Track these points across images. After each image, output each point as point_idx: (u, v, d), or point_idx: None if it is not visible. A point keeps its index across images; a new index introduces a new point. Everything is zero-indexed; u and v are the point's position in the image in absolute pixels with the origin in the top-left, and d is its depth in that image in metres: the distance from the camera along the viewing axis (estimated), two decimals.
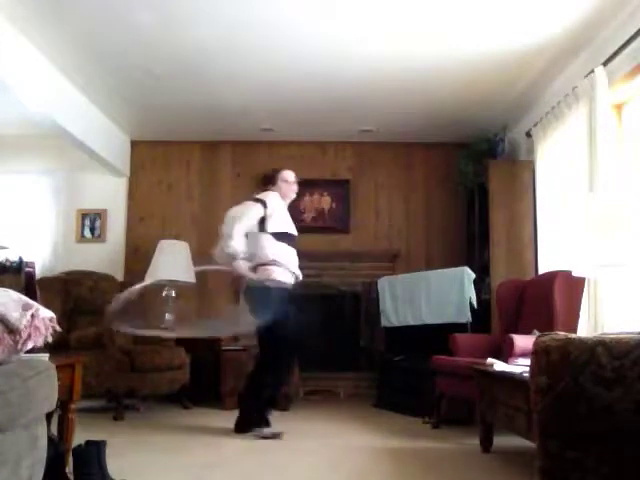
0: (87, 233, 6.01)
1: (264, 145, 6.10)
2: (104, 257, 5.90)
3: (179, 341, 5.02)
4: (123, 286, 5.42)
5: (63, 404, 2.45)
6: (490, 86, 4.72)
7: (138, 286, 4.00)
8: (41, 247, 5.88)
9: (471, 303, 4.43)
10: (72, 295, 4.89)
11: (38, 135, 5.60)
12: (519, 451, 3.14)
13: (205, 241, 6.02)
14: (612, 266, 2.97)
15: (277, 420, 3.85)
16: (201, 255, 5.89)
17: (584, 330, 3.60)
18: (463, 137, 5.78)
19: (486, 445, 3.21)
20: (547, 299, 3.65)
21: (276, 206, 3.78)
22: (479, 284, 4.77)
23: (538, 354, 1.66)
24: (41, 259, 5.76)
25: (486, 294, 4.90)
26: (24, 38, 3.99)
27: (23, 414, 1.54)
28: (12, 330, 1.69)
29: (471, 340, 4.13)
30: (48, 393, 1.72)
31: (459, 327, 4.36)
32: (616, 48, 3.48)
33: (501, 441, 3.25)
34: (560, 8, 3.53)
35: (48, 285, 4.77)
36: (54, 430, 2.40)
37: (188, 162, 6.18)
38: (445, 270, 4.82)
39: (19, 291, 1.87)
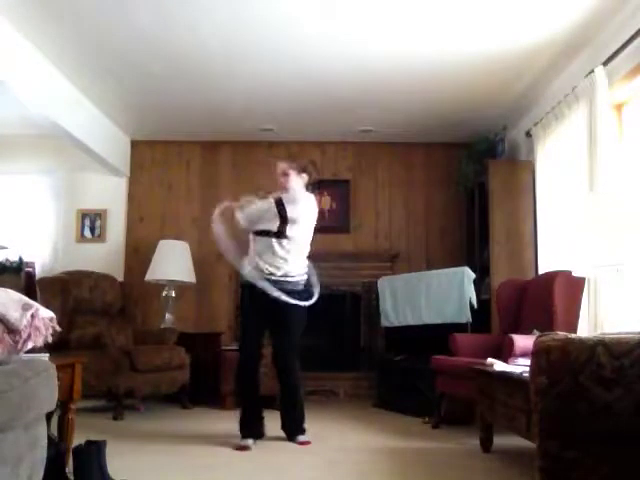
0: (87, 233, 6.01)
1: (264, 145, 6.10)
2: (104, 257, 5.90)
3: (179, 341, 5.02)
4: (123, 286, 5.44)
5: (63, 404, 2.45)
6: (490, 86, 4.72)
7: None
8: (41, 247, 5.88)
9: (471, 303, 4.43)
10: (72, 295, 4.89)
11: (38, 135, 5.61)
12: (519, 451, 3.14)
13: (205, 241, 6.03)
14: (612, 266, 2.97)
15: (277, 420, 3.85)
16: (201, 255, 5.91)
17: (584, 330, 3.60)
18: (463, 137, 5.78)
19: (486, 445, 3.21)
20: (547, 299, 3.65)
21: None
22: (479, 284, 4.77)
23: (538, 354, 1.66)
24: (41, 259, 5.77)
25: (486, 294, 4.90)
26: (24, 38, 3.99)
27: (23, 414, 1.54)
28: (12, 330, 1.69)
29: (471, 340, 4.13)
30: (48, 393, 1.72)
31: (459, 327, 4.36)
32: (616, 48, 3.48)
33: (501, 441, 3.25)
34: (560, 8, 3.53)
35: (48, 285, 4.77)
36: (54, 430, 2.40)
37: (188, 162, 6.18)
38: (445, 270, 4.82)
39: (19, 291, 1.87)
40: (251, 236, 3.57)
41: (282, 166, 3.60)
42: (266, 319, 3.53)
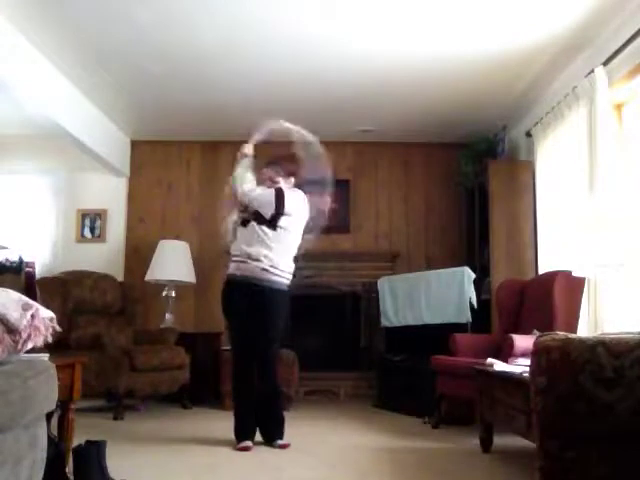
0: (87, 233, 6.01)
1: (264, 145, 6.08)
2: (104, 257, 5.90)
3: (179, 341, 5.02)
4: (123, 286, 5.44)
5: (63, 404, 2.45)
6: (490, 86, 4.72)
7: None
8: (41, 247, 5.88)
9: (471, 303, 4.43)
10: (72, 295, 4.89)
11: (38, 135, 5.60)
12: (519, 451, 3.15)
13: (205, 241, 6.04)
14: (612, 266, 2.97)
15: None
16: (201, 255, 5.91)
17: (584, 330, 3.60)
18: (463, 137, 5.78)
19: (486, 445, 3.21)
20: (547, 299, 3.65)
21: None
22: (479, 284, 4.77)
23: (538, 354, 1.66)
24: (41, 259, 5.76)
25: (486, 294, 4.90)
26: (24, 38, 3.99)
27: (23, 414, 1.54)
28: (12, 330, 1.69)
29: (471, 340, 4.13)
30: (48, 393, 1.72)
31: (459, 327, 4.36)
32: (616, 48, 3.49)
33: (501, 441, 3.25)
34: (560, 8, 3.53)
35: (48, 285, 4.77)
36: (54, 430, 2.40)
37: (188, 162, 6.18)
38: (445, 270, 4.82)
39: (19, 291, 1.87)
40: (237, 227, 3.54)
41: (268, 173, 3.59)
42: (249, 311, 3.38)
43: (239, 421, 3.40)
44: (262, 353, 3.43)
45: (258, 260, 3.39)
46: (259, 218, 3.44)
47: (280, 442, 3.35)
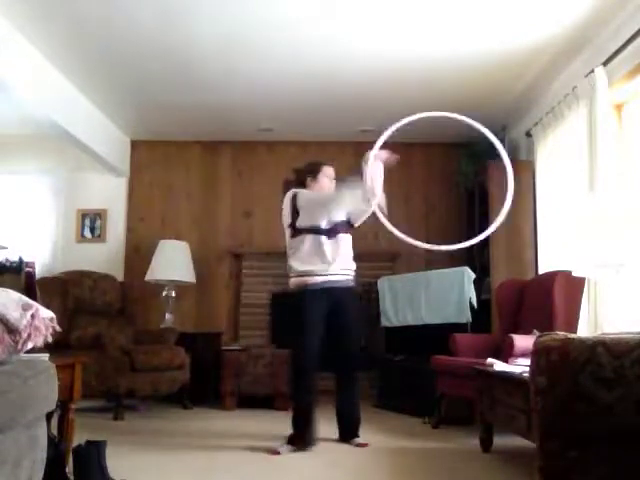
0: (87, 233, 6.01)
1: (264, 145, 6.10)
2: (104, 257, 5.90)
3: (179, 341, 5.02)
4: (123, 286, 5.44)
5: (63, 404, 2.45)
6: (490, 86, 4.72)
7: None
8: (41, 247, 5.88)
9: (471, 303, 4.43)
10: (72, 295, 4.89)
11: (38, 135, 5.60)
12: (519, 451, 3.14)
13: (205, 241, 6.03)
14: (612, 266, 2.97)
15: (277, 420, 3.85)
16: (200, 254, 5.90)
17: (584, 330, 3.60)
18: (463, 137, 5.77)
19: (486, 445, 3.21)
20: (547, 299, 3.65)
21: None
22: (479, 284, 4.77)
23: (538, 354, 1.66)
24: (41, 259, 5.76)
25: (486, 294, 4.90)
26: (23, 38, 3.99)
27: (23, 414, 1.54)
28: (12, 330, 1.69)
29: (471, 340, 4.13)
30: (48, 393, 1.72)
31: (459, 327, 4.36)
32: (616, 48, 3.49)
33: (501, 441, 3.25)
34: (560, 8, 3.54)
35: (48, 285, 4.76)
36: (54, 430, 2.40)
37: (188, 162, 6.18)
38: (445, 270, 4.82)
39: (19, 291, 1.87)
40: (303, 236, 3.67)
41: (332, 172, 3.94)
42: (328, 317, 3.55)
43: (303, 423, 3.37)
44: (354, 355, 3.75)
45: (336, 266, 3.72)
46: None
47: (358, 441, 3.42)
